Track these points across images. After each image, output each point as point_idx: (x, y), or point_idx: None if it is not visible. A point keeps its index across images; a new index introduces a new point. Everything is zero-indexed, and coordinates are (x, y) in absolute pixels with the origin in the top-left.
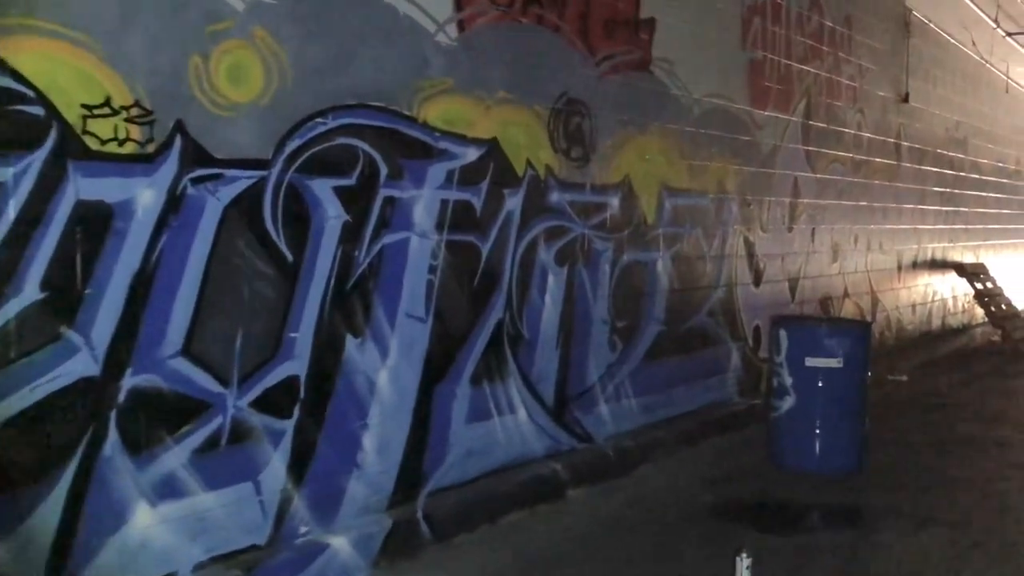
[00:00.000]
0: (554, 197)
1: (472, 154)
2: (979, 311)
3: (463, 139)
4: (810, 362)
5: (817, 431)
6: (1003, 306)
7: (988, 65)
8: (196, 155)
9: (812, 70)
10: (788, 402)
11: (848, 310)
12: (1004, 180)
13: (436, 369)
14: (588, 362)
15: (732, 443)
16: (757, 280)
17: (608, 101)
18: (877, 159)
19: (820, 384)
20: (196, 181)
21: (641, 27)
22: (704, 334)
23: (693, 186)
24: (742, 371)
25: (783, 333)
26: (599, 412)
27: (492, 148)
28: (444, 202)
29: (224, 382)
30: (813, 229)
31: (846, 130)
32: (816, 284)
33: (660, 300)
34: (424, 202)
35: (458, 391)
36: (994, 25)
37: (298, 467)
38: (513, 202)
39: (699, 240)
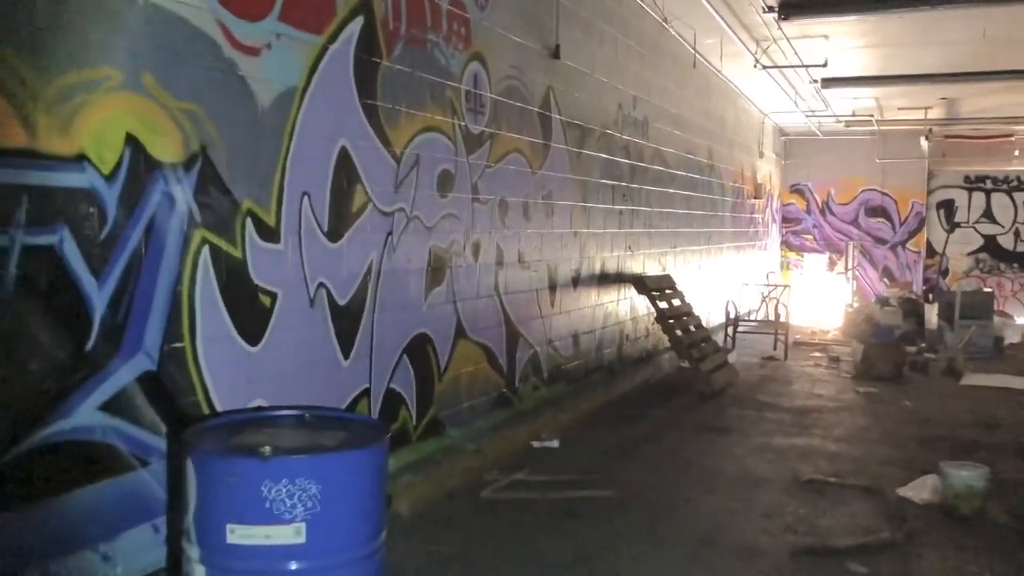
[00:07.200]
0: None
1: None
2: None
3: None
4: (236, 535)
5: None
6: (691, 328)
7: (671, 30)
8: None
9: None
10: None
11: (466, 356)
12: (695, 175)
13: None
14: None
15: None
16: (256, 334)
17: None
18: (510, 134)
19: None
20: None
21: None
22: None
23: (37, 145)
24: None
25: (190, 466)
26: None
27: None
28: None
29: None
30: (388, 236)
31: (451, 83)
32: (399, 322)
33: None
34: None
35: None
36: None
37: None
38: None
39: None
